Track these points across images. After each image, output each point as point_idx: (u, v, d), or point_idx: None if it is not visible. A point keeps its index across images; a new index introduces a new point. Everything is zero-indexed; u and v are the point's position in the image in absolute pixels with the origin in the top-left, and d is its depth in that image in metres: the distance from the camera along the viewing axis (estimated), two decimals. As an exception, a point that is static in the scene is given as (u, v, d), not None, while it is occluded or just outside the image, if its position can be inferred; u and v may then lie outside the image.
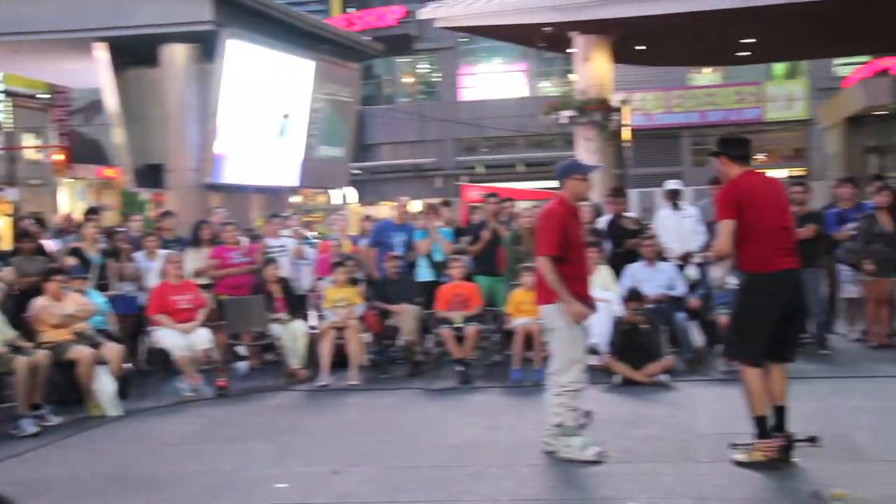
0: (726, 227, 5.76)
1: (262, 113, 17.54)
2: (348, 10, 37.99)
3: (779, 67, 34.92)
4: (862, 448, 6.00)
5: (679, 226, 10.41)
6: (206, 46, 16.10)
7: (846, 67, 32.91)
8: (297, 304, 10.37)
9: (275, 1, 18.07)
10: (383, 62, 37.85)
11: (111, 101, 16.72)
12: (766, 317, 5.69)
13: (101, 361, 8.36)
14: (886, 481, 5.25)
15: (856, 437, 6.27)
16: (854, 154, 28.72)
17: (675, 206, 10.68)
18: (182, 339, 9.19)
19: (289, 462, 6.47)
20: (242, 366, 10.24)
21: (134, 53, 16.36)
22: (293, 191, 21.96)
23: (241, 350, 10.35)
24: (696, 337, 9.46)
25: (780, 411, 5.75)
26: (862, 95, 25.14)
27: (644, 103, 33.54)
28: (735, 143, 6.16)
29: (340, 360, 9.59)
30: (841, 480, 5.15)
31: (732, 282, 9.87)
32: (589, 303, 6.29)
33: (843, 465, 5.65)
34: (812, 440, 5.81)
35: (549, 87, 36.66)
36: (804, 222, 9.14)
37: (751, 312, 5.78)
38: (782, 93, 33.43)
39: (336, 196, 33.48)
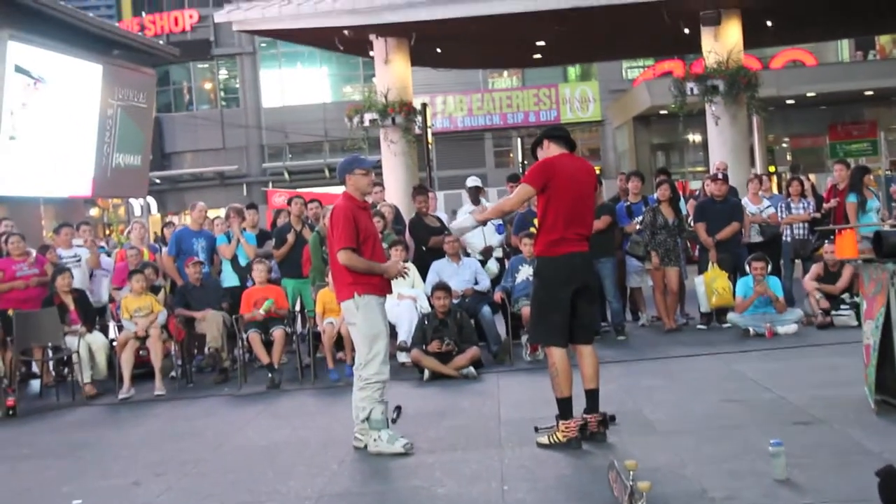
0: (524, 190, 5.98)
1: (44, 119, 16.57)
2: (142, 14, 36.77)
3: (573, 71, 36.41)
4: (654, 422, 6.32)
5: (481, 222, 10.63)
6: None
7: (635, 70, 34.73)
8: (94, 316, 9.92)
9: (61, 3, 17.18)
10: (182, 68, 36.89)
11: None
12: (560, 298, 5.86)
13: None
14: (673, 450, 5.56)
15: (649, 413, 6.60)
16: (642, 151, 30.40)
17: (477, 203, 10.93)
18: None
19: (86, 477, 6.16)
20: (35, 383, 9.69)
21: None
22: (89, 202, 20.95)
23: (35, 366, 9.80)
24: (502, 329, 9.71)
25: (592, 394, 5.95)
26: (647, 96, 26.58)
27: (447, 107, 34.20)
28: (556, 127, 6.66)
29: (148, 372, 9.27)
30: (635, 453, 5.40)
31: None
32: (388, 289, 6.39)
33: (637, 438, 5.93)
34: (612, 419, 6.09)
35: (352, 92, 36.75)
36: (599, 214, 9.55)
37: (545, 295, 5.97)
38: (576, 95, 34.82)
39: (136, 207, 32.29)
